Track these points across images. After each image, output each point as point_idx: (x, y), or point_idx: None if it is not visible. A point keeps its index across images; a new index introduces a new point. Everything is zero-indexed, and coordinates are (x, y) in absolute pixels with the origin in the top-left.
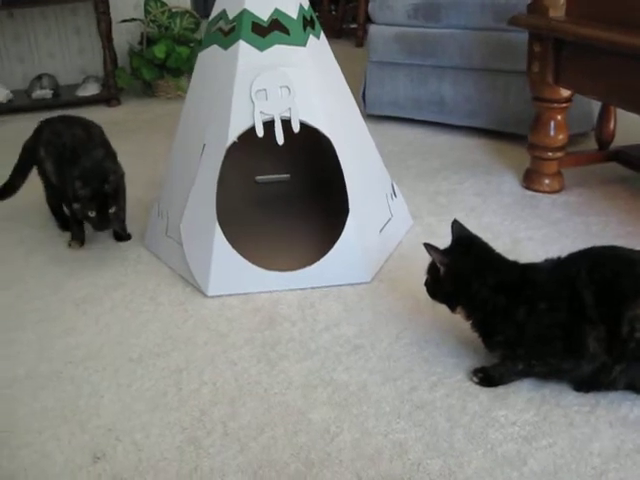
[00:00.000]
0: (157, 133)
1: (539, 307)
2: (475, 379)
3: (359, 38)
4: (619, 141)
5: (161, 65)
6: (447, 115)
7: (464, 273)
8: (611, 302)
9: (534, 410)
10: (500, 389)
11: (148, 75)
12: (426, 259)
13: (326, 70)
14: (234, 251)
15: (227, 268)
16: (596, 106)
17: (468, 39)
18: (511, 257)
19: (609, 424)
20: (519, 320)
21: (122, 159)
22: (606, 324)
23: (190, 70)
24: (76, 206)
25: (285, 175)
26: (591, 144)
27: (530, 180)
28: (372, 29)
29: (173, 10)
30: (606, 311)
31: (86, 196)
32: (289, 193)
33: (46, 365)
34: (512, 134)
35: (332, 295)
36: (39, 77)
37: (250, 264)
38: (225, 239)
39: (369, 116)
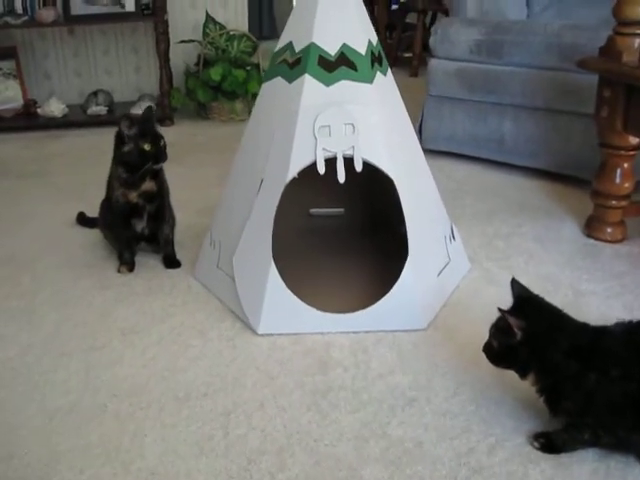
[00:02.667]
0: (209, 156)
1: (611, 374)
2: (536, 444)
3: (414, 68)
4: None
5: (216, 87)
6: (506, 154)
7: (540, 337)
8: None
9: None
10: (563, 457)
11: (203, 97)
12: (483, 307)
13: (391, 108)
14: (288, 290)
15: (279, 307)
16: None
17: (531, 78)
18: (573, 311)
19: None
20: (589, 387)
21: (173, 182)
22: None
23: (245, 94)
24: (127, 148)
25: (339, 209)
26: None
27: (592, 228)
28: (432, 63)
29: (231, 33)
30: None
31: (136, 133)
32: (343, 228)
33: (91, 397)
34: (573, 177)
35: (386, 341)
36: (95, 93)
37: (303, 304)
38: (279, 277)
39: (424, 150)
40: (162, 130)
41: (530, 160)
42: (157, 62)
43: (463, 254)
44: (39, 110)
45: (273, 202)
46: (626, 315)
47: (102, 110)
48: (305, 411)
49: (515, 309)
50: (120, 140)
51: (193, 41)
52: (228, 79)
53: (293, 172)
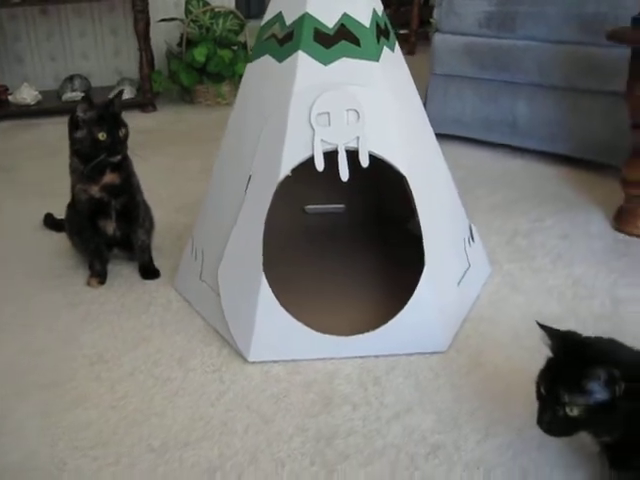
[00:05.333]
0: (192, 145)
1: None
2: None
3: (411, 45)
4: None
5: (201, 69)
6: (520, 138)
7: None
8: None
9: None
10: None
11: (187, 80)
12: (510, 321)
13: (401, 90)
14: (282, 309)
15: (273, 329)
16: None
17: (548, 53)
18: (614, 324)
19: None
20: None
21: (153, 175)
22: None
23: (232, 76)
24: (80, 134)
25: (339, 205)
26: None
27: (622, 221)
28: (437, 38)
29: (216, 10)
30: None
31: (92, 118)
32: (344, 227)
33: (47, 450)
34: (595, 163)
35: (400, 368)
36: (71, 78)
37: (301, 325)
38: (272, 294)
39: None
40: (143, 117)
41: (547, 144)
42: (137, 43)
43: (484, 257)
44: (10, 97)
45: (263, 204)
46: None
47: (78, 96)
48: (308, 465)
49: (559, 359)
50: (74, 125)
51: (175, 19)
52: (213, 60)
53: (286, 169)
